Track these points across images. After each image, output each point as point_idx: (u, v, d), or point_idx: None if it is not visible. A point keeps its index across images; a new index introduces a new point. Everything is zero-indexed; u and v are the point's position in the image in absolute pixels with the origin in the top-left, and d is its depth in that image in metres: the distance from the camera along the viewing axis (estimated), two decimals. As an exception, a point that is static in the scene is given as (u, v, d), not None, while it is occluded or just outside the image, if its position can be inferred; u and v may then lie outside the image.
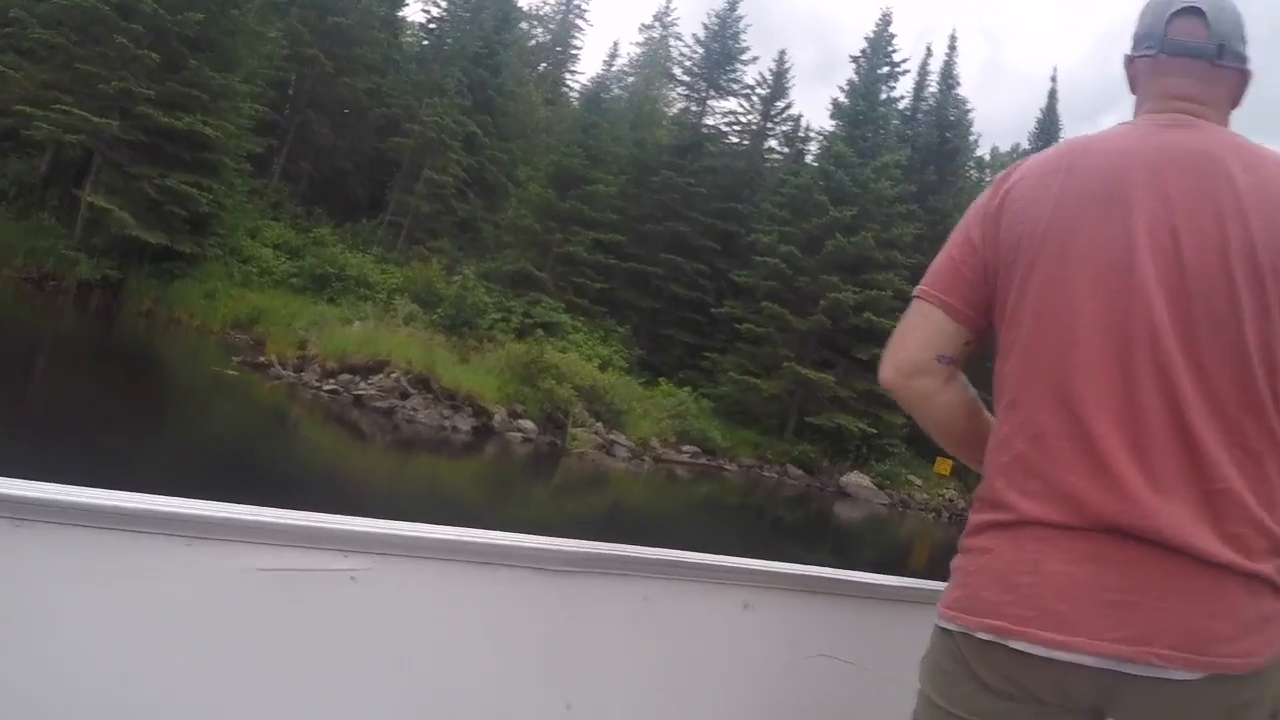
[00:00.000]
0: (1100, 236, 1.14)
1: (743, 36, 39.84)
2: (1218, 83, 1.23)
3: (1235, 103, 1.27)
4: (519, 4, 46.07)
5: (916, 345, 1.28)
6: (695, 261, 33.65)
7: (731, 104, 40.21)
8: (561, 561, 1.43)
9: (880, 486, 28.37)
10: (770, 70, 39.64)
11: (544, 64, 51.94)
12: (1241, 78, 1.26)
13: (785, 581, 1.67)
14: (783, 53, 39.66)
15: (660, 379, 28.87)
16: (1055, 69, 76.72)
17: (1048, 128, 36.87)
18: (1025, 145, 37.24)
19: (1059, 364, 1.14)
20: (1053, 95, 38.32)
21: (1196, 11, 1.21)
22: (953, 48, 37.82)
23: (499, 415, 21.16)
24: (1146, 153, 1.17)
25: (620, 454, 23.14)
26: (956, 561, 1.20)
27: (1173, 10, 1.23)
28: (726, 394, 29.41)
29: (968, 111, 38.11)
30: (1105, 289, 1.12)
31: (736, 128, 40.93)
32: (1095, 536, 1.08)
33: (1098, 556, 1.07)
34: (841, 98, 35.65)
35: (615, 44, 79.00)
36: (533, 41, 52.70)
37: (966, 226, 1.27)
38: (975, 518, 1.19)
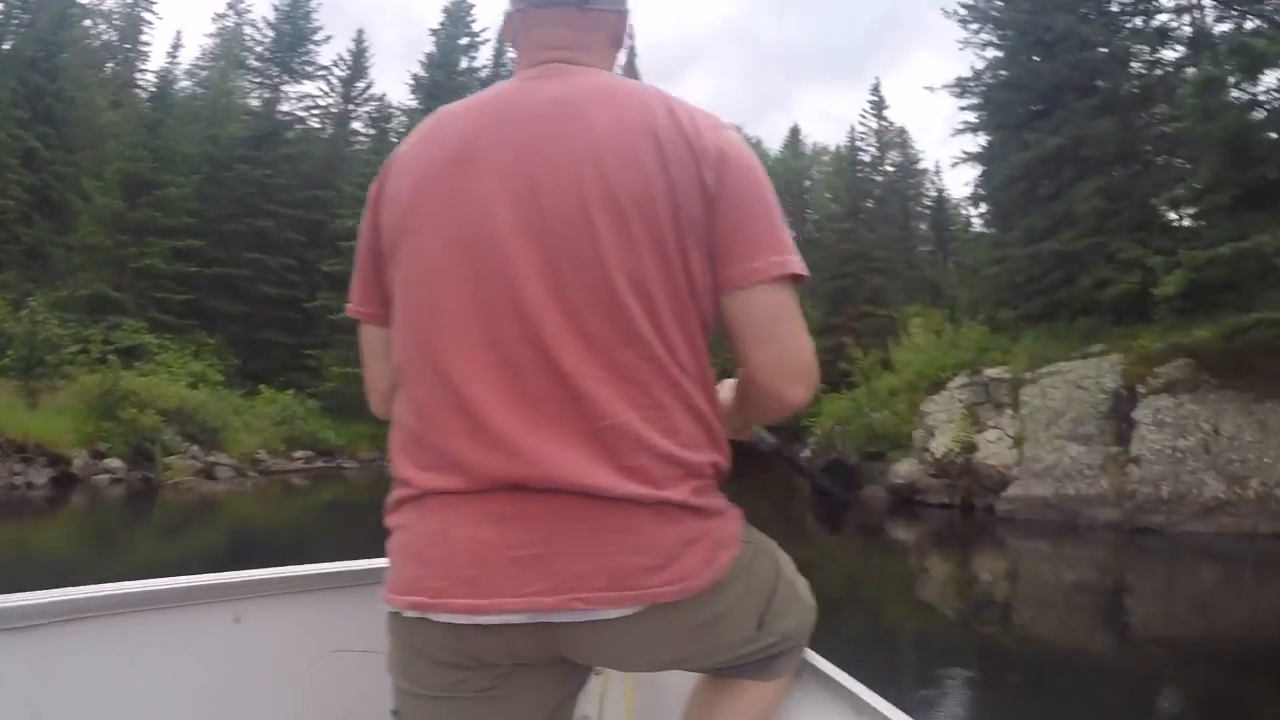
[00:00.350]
0: (452, 199, 1.14)
1: (315, 16, 38.84)
2: (590, 27, 1.25)
3: (617, 43, 1.30)
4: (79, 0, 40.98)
5: (375, 374, 1.30)
6: (283, 257, 33.13)
7: (309, 88, 39.32)
8: (27, 616, 1.34)
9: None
10: (349, 50, 39.13)
11: (111, 63, 47.29)
12: (618, 17, 1.29)
13: (279, 586, 1.61)
14: (361, 32, 39.26)
15: (261, 386, 28.46)
16: (632, 27, 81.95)
17: None
18: None
19: (428, 334, 1.13)
20: (631, 52, 41.32)
21: None
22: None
23: (79, 459, 19.89)
24: (502, 108, 1.18)
25: (223, 475, 22.58)
26: (386, 542, 1.18)
27: None
28: (333, 390, 29.17)
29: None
30: (463, 251, 1.12)
31: (316, 112, 40.13)
32: (494, 496, 1.07)
33: (500, 516, 1.07)
34: (421, 71, 35.85)
35: (179, 34, 72.10)
36: (98, 41, 47.59)
37: (363, 222, 1.26)
38: (390, 496, 1.18)
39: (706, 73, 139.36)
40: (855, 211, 43.20)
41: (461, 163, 1.15)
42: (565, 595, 1.05)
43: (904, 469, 18.74)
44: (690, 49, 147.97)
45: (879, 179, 46.30)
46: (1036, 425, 16.73)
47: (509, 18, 1.29)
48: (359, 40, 39.13)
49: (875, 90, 49.21)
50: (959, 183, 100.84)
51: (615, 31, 1.30)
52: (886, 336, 27.63)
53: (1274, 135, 14.05)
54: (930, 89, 52.11)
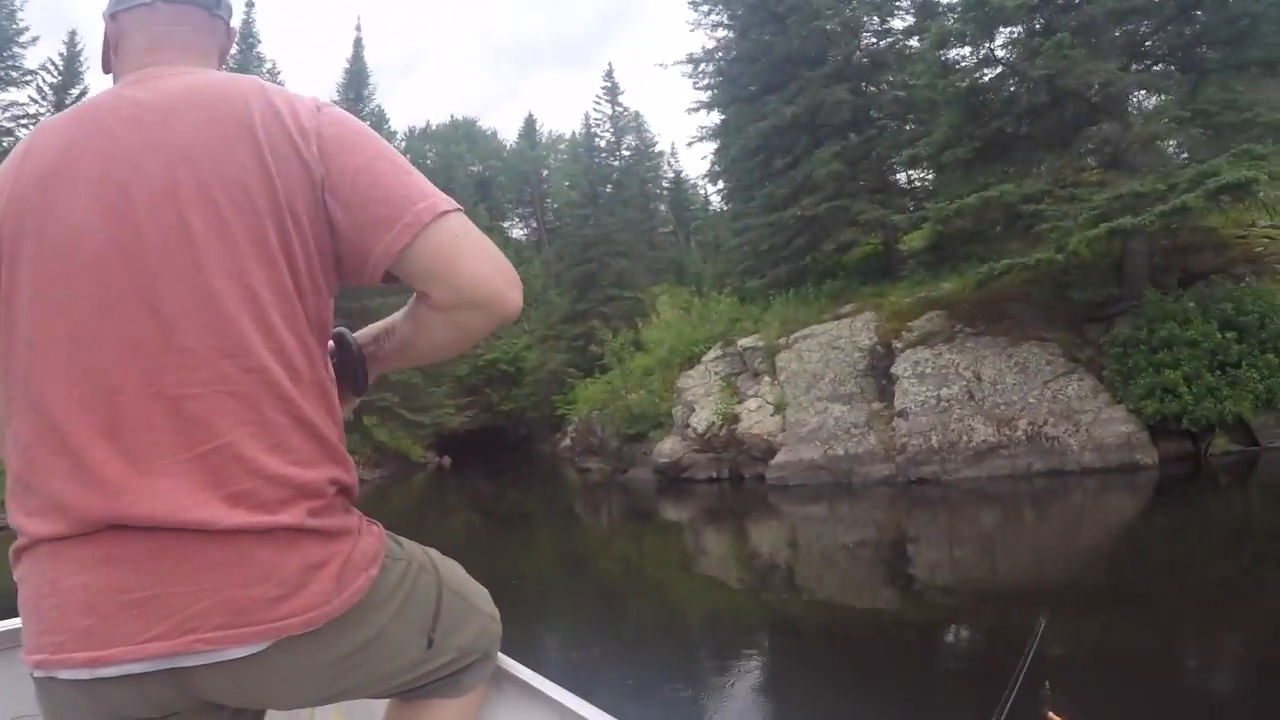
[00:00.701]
0: (44, 218, 1.04)
1: (21, 16, 32.39)
2: (179, 20, 1.19)
3: (222, 39, 1.25)
4: None
5: None
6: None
7: (16, 95, 32.82)
8: None
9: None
10: (60, 55, 33.28)
11: None
12: (211, 11, 1.22)
13: None
14: (74, 33, 33.39)
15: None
16: (360, 18, 77.01)
17: (356, 79, 36.65)
18: (335, 97, 36.76)
19: (26, 368, 1.03)
20: (359, 44, 38.19)
21: None
22: (251, 4, 35.27)
23: None
24: (97, 118, 1.09)
25: None
26: (18, 598, 1.06)
27: None
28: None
29: (277, 74, 36.20)
30: (55, 274, 1.02)
31: (25, 121, 33.53)
32: (101, 539, 0.98)
33: (108, 559, 0.97)
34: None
35: None
36: None
37: None
38: (12, 547, 1.06)
39: (439, 68, 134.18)
40: (594, 197, 42.79)
41: (55, 178, 1.06)
42: (186, 638, 0.96)
43: (667, 447, 17.74)
44: (420, 45, 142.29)
45: (616, 164, 46.25)
46: (797, 390, 16.20)
47: (106, 22, 1.21)
48: (71, 43, 33.10)
49: (608, 75, 48.98)
50: (696, 162, 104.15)
51: (215, 27, 1.23)
52: (635, 318, 27.66)
53: (1010, 90, 14.02)
54: (663, 66, 52.46)
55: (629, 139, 49.12)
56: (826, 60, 21.52)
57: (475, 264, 1.07)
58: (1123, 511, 11.81)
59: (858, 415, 14.91)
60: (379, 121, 40.40)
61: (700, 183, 46.98)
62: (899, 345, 15.50)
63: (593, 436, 23.22)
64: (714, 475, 16.82)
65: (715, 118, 27.40)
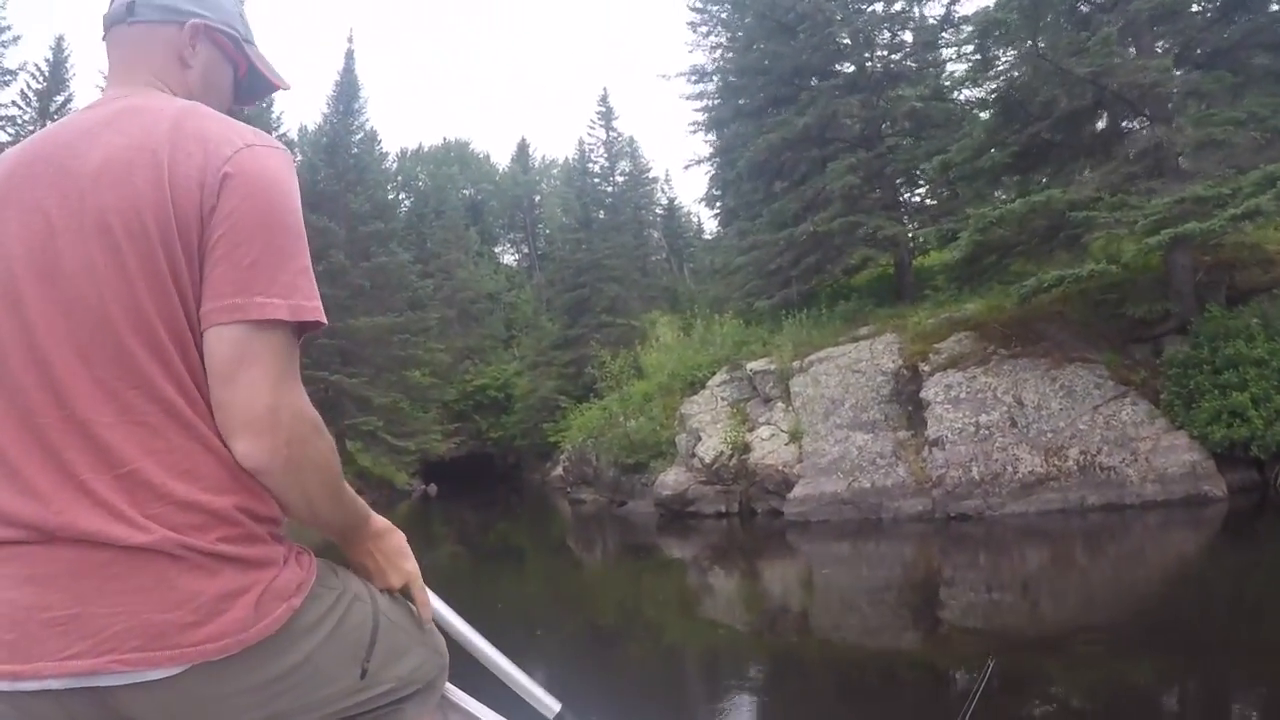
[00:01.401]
0: None
1: (2, 13, 30.98)
2: (141, 42, 1.20)
3: (179, 56, 1.21)
4: None
5: None
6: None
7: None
8: None
9: None
10: (47, 61, 31.83)
11: None
12: (171, 29, 1.20)
13: None
14: (60, 39, 32.09)
15: None
16: (352, 31, 76.02)
17: (347, 91, 35.19)
18: (325, 109, 35.28)
19: None
20: (350, 57, 36.82)
21: None
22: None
23: None
24: (41, 143, 1.10)
25: None
26: None
27: None
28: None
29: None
30: None
31: (4, 122, 31.98)
32: (27, 556, 0.98)
33: (33, 578, 0.98)
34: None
35: None
36: None
37: None
38: None
39: (431, 89, 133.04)
40: (588, 222, 41.62)
41: (1, 203, 1.08)
42: (104, 658, 0.96)
43: (671, 478, 16.14)
44: (413, 65, 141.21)
45: (610, 189, 44.74)
46: (813, 417, 14.70)
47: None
48: (57, 49, 31.67)
49: (603, 100, 47.46)
50: (690, 188, 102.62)
51: (169, 43, 1.21)
52: (629, 344, 26.32)
53: (1051, 92, 12.67)
54: (665, 77, 51.30)
55: (623, 164, 47.91)
56: (838, 72, 20.25)
57: (264, 386, 1.02)
58: (1188, 549, 10.46)
59: (883, 444, 13.38)
60: (370, 141, 39.11)
61: (694, 210, 45.79)
62: (926, 369, 14.02)
63: (587, 466, 21.60)
64: (723, 510, 15.24)
65: (712, 139, 26.22)
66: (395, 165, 51.72)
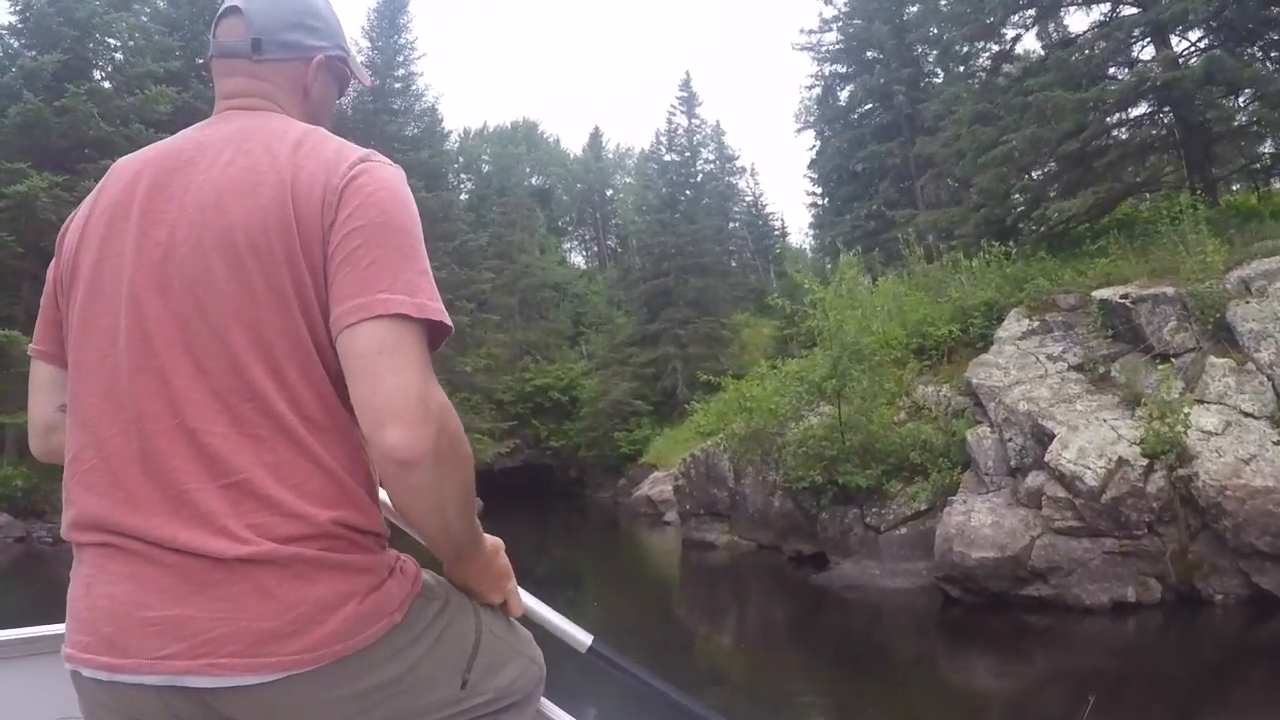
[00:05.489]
0: (104, 251, 1.03)
1: None
2: (266, 76, 1.13)
3: (303, 89, 1.17)
4: None
5: (37, 405, 1.18)
6: None
7: None
8: None
9: None
10: None
11: None
12: (299, 65, 1.16)
13: (19, 648, 1.43)
14: None
15: None
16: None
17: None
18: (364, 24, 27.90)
19: (76, 389, 1.03)
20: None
21: (236, 10, 1.13)
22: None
23: None
24: (161, 157, 1.06)
25: None
26: None
27: (218, 14, 1.16)
28: None
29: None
30: (107, 301, 1.01)
31: None
32: (130, 556, 0.95)
33: (134, 576, 0.95)
34: None
35: None
36: None
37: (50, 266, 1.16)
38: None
39: (499, 67, 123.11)
40: (673, 203, 32.76)
41: (118, 213, 1.05)
42: (199, 660, 0.92)
43: (973, 517, 7.05)
44: (480, 42, 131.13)
45: (691, 179, 36.33)
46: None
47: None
48: None
49: (685, 85, 38.63)
50: (778, 182, 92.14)
51: (297, 79, 1.16)
52: (721, 348, 19.84)
53: None
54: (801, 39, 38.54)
55: (705, 153, 38.98)
56: None
57: (410, 375, 0.94)
58: None
59: None
60: (432, 120, 31.13)
61: (777, 209, 36.48)
62: None
63: (718, 487, 12.10)
64: (1131, 597, 5.81)
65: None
66: (458, 146, 43.41)
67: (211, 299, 0.95)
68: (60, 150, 18.09)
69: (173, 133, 1.13)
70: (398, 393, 0.91)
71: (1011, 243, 12.13)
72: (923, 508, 8.51)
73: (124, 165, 1.09)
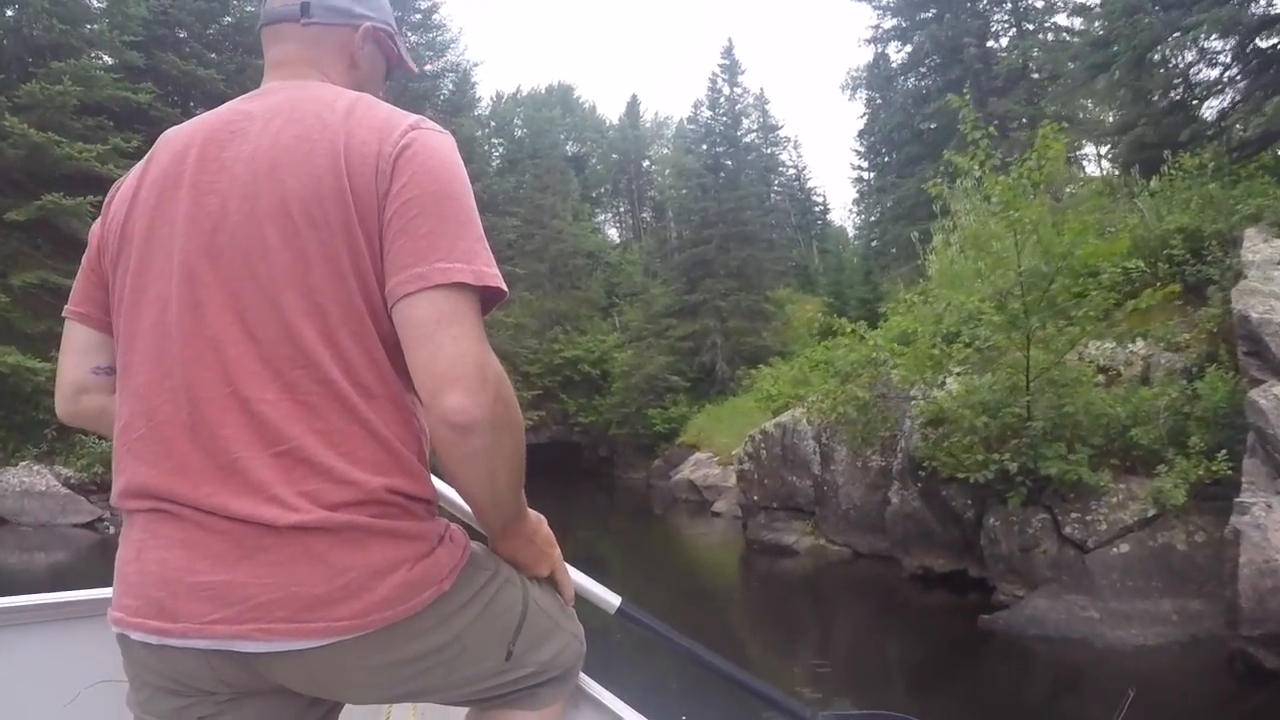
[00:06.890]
0: (155, 220, 1.01)
1: None
2: (314, 41, 1.12)
3: (350, 56, 1.14)
4: None
5: (69, 366, 1.16)
6: None
7: None
8: None
9: None
10: None
11: None
12: (346, 31, 1.13)
13: (40, 614, 1.41)
14: None
15: None
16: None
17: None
18: None
19: (126, 359, 1.02)
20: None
21: None
22: None
23: None
24: (210, 128, 1.04)
25: None
26: None
27: None
28: None
29: None
30: (156, 273, 1.00)
31: None
32: (180, 522, 0.94)
33: (185, 542, 0.94)
34: None
35: None
36: None
37: (91, 231, 1.14)
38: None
39: (533, 29, 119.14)
40: (715, 167, 29.90)
41: (168, 183, 1.03)
42: (248, 625, 0.91)
43: None
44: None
45: (735, 144, 33.68)
46: None
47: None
48: None
49: (727, 53, 35.63)
50: (824, 154, 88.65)
51: (344, 45, 1.14)
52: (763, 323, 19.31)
53: None
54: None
55: (747, 122, 36.10)
56: None
57: (469, 342, 0.93)
58: None
59: None
60: (463, 82, 28.64)
61: (821, 185, 33.78)
62: None
63: (797, 472, 9.25)
64: None
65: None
66: (490, 110, 40.71)
67: (264, 267, 0.94)
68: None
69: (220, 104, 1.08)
70: (458, 359, 0.90)
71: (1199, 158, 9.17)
72: (1152, 513, 5.64)
73: (173, 135, 1.07)
